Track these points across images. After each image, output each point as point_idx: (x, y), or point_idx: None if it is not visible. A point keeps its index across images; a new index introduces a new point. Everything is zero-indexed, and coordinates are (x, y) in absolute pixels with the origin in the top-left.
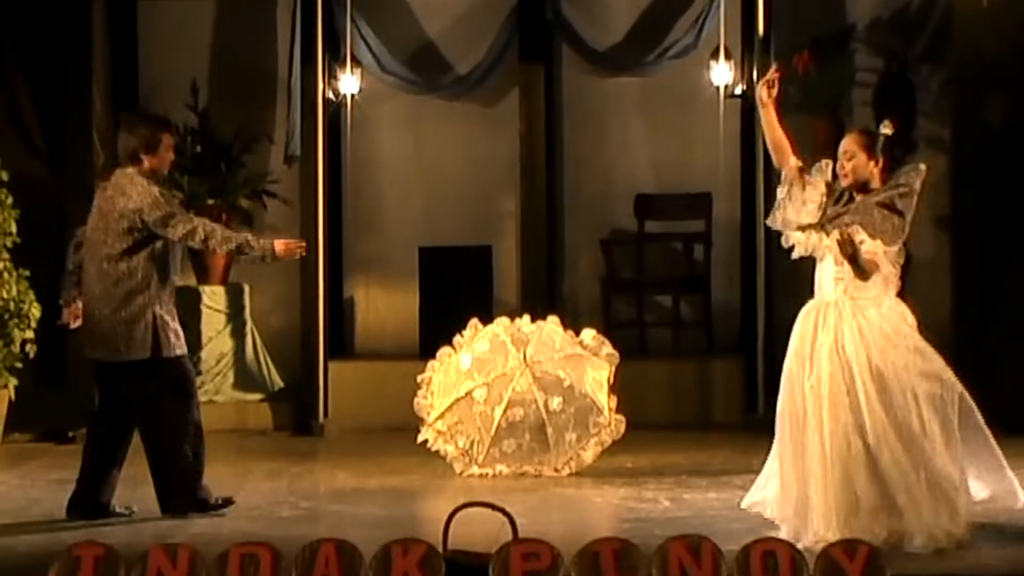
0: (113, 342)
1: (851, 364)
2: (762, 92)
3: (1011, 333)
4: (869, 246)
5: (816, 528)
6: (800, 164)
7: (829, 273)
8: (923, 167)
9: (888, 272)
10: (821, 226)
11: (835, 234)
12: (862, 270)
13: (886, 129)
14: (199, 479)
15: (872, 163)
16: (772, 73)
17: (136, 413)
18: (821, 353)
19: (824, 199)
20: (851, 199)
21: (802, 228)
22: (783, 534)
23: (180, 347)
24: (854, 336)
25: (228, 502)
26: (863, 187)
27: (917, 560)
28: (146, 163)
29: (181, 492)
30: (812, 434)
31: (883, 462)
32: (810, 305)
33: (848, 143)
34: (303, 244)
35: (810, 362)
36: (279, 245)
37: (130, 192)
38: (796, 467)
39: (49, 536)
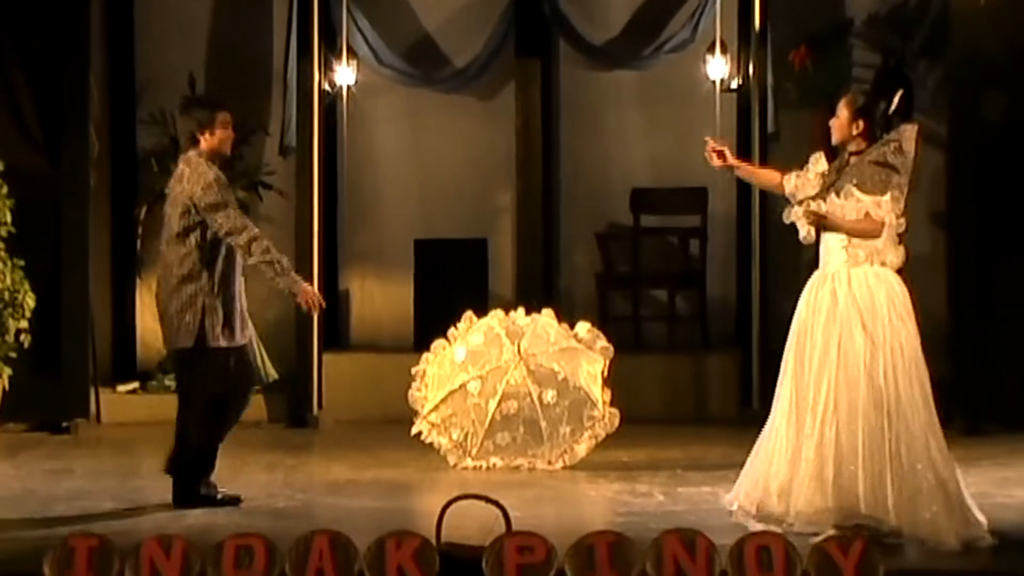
0: (168, 329)
1: (843, 335)
2: (715, 164)
3: (1008, 330)
4: (866, 202)
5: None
6: (793, 172)
7: (836, 241)
8: (913, 125)
9: (887, 224)
10: (821, 195)
11: (797, 211)
12: (851, 233)
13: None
14: (206, 475)
15: (853, 124)
16: (712, 145)
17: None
18: (816, 328)
19: (823, 178)
20: (847, 164)
21: (800, 201)
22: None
23: (227, 339)
24: (847, 305)
25: (235, 500)
26: (855, 151)
27: (911, 557)
28: (203, 143)
29: (187, 486)
30: (818, 412)
31: (861, 441)
32: (813, 278)
33: (840, 103)
34: (323, 304)
35: (811, 337)
36: (307, 289)
37: (187, 175)
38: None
39: (44, 527)
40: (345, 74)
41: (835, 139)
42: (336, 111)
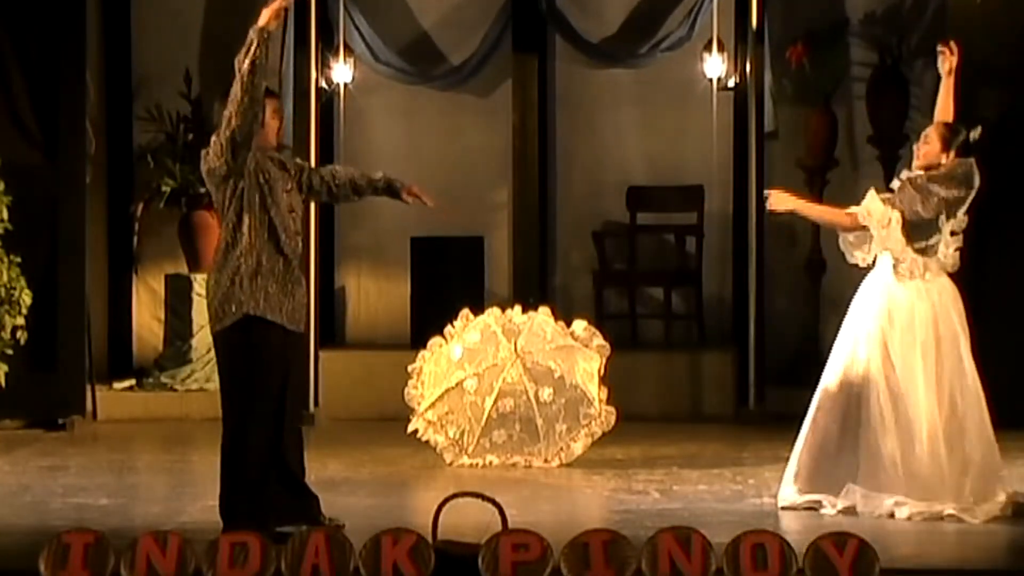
0: None
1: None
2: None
3: (1000, 328)
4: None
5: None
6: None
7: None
8: (970, 160)
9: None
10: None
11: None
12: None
13: (975, 133)
14: (252, 488)
15: (944, 155)
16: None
17: None
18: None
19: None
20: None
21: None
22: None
23: (244, 308)
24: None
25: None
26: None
27: (903, 552)
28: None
29: (227, 492)
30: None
31: None
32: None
33: (930, 129)
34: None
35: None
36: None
37: None
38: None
39: (39, 523)
40: (342, 71)
41: (919, 164)
42: (333, 109)
